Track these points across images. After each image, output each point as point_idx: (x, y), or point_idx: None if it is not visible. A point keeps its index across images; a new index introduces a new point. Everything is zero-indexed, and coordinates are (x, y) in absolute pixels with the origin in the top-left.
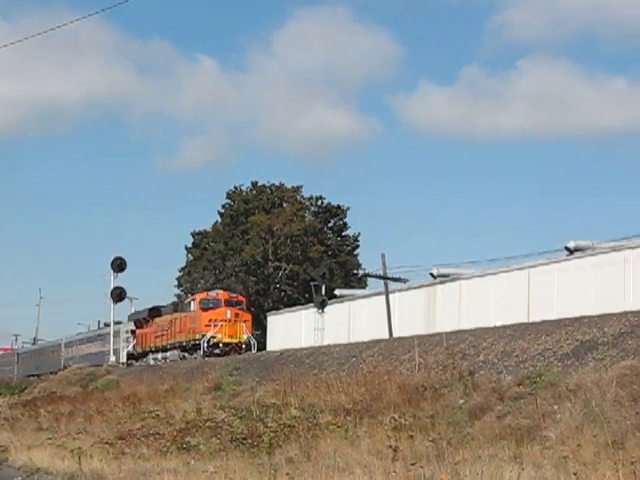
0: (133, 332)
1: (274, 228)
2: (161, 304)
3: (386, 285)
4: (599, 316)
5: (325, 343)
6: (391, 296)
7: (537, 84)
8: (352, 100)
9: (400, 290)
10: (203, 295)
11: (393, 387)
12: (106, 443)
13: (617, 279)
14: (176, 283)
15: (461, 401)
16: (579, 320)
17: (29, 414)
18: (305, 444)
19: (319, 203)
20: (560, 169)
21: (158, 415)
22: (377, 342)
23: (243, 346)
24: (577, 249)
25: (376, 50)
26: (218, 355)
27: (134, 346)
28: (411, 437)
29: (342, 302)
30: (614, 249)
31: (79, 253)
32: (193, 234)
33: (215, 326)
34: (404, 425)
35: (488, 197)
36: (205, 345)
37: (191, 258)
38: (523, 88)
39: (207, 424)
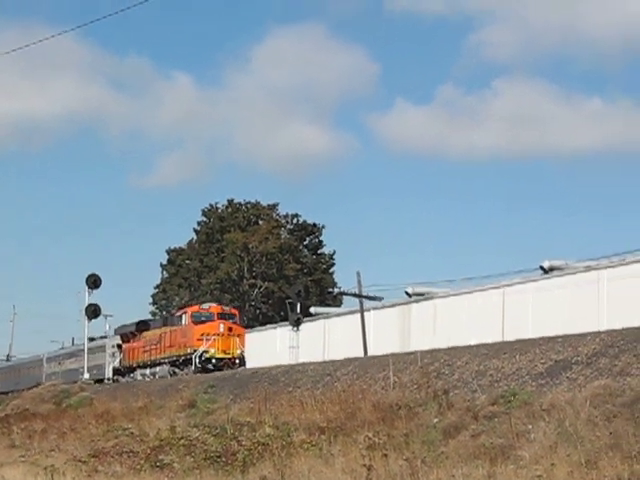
0: (119, 347)
1: (250, 246)
2: (141, 319)
3: (361, 303)
4: (573, 335)
5: (300, 361)
6: (366, 314)
7: (512, 104)
8: (329, 117)
9: (375, 308)
10: (195, 308)
11: (367, 406)
12: (79, 461)
13: (591, 298)
14: (151, 300)
15: (435, 420)
16: (553, 339)
17: (1, 431)
18: (279, 462)
19: (295, 221)
20: (535, 188)
21: (132, 433)
22: (352, 360)
23: (237, 361)
24: (552, 269)
25: (353, 68)
26: (211, 370)
27: (120, 361)
28: (385, 456)
29: (317, 320)
30: (588, 269)
31: (53, 270)
32: (168, 251)
33: (208, 340)
34: (378, 444)
35: (463, 216)
36: (197, 360)
37: (166, 275)
38: (498, 108)
39: (181, 442)
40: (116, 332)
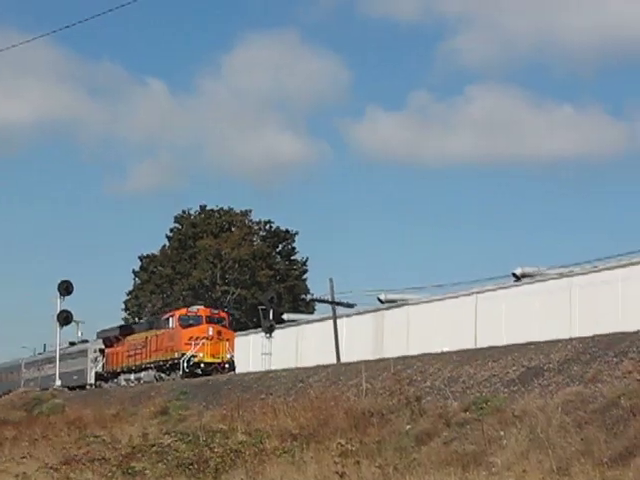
0: (102, 351)
1: (222, 252)
2: (124, 323)
3: (334, 310)
4: (545, 342)
5: (273, 368)
6: (339, 321)
7: (485, 110)
8: (302, 124)
9: (348, 315)
10: (183, 311)
11: (340, 412)
12: (51, 468)
13: (563, 305)
14: (123, 306)
15: (408, 427)
16: (525, 346)
17: None
18: (251, 469)
19: (268, 227)
20: (507, 195)
21: (104, 440)
22: (324, 367)
23: (226, 366)
24: (524, 275)
25: (325, 74)
26: (199, 375)
27: (103, 366)
28: (358, 463)
29: (290, 327)
30: (560, 276)
31: (25, 275)
32: (141, 258)
33: (196, 344)
34: (351, 451)
35: (436, 222)
36: (185, 365)
37: (139, 282)
38: (471, 114)
39: (153, 449)
40: (98, 336)
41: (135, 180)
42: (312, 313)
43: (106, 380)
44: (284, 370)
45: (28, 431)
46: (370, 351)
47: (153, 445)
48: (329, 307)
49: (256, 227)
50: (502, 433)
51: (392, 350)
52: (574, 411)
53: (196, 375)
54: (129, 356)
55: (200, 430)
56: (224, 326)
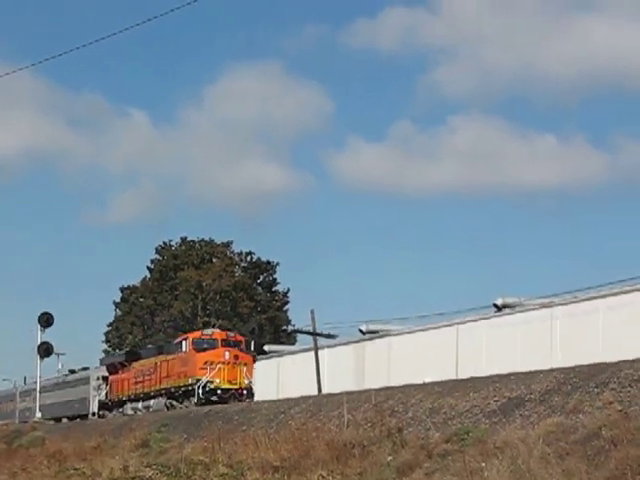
0: (105, 379)
1: (203, 283)
2: (131, 348)
3: (315, 341)
4: (526, 373)
5: (254, 399)
6: (320, 352)
7: (468, 141)
8: (284, 154)
9: (329, 346)
10: (197, 334)
11: (321, 444)
12: None
13: (544, 336)
14: (104, 338)
15: (389, 458)
16: (506, 377)
17: None
18: None
19: (249, 258)
20: (489, 225)
21: (84, 472)
22: (306, 399)
23: (244, 392)
24: (505, 306)
25: (308, 105)
26: (216, 403)
27: (107, 394)
28: None
29: (271, 358)
30: (541, 306)
31: (4, 307)
32: (122, 289)
33: (212, 369)
34: None
35: (417, 253)
36: (200, 391)
37: (119, 313)
38: (454, 144)
39: None
40: (102, 363)
41: (116, 211)
42: (293, 344)
43: (110, 409)
44: (265, 402)
45: (8, 464)
46: (351, 382)
47: (134, 478)
48: (310, 338)
49: (237, 258)
50: (484, 464)
51: (373, 381)
52: (555, 442)
53: (212, 402)
54: (136, 383)
55: (181, 462)
56: (241, 350)
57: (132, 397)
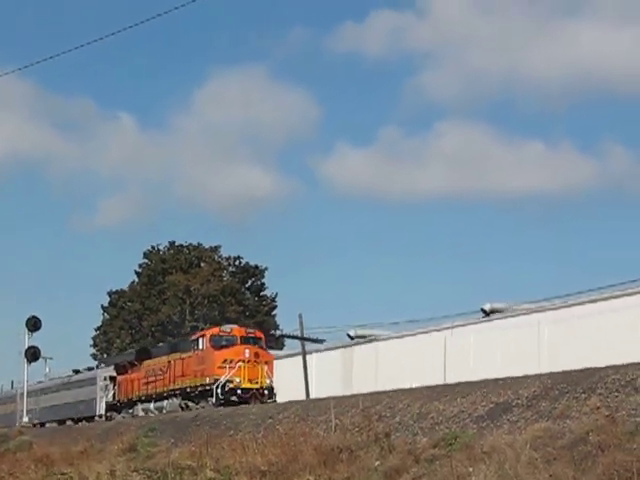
0: (113, 379)
1: (191, 288)
2: (141, 346)
3: (303, 346)
4: (514, 378)
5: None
6: (308, 357)
7: (454, 146)
8: (272, 159)
9: (317, 351)
10: (215, 330)
11: (309, 449)
12: None
13: (532, 341)
14: (92, 342)
15: (377, 463)
16: (494, 382)
17: None
18: None
19: (237, 263)
20: (477, 231)
21: (71, 477)
22: (294, 403)
23: (265, 392)
24: (493, 311)
25: (295, 109)
26: (235, 403)
27: (114, 395)
28: None
29: None
30: (529, 311)
31: None
32: (110, 293)
33: (231, 368)
34: None
35: (405, 258)
36: (219, 391)
37: (107, 317)
38: (440, 149)
39: None
40: (109, 362)
41: (105, 215)
42: (281, 349)
43: (119, 410)
44: (253, 406)
45: None
46: (340, 387)
47: None
48: (298, 343)
49: (225, 263)
50: (471, 469)
51: (361, 386)
52: (543, 447)
53: (232, 403)
54: (147, 383)
55: (168, 467)
56: (261, 347)
57: (143, 398)
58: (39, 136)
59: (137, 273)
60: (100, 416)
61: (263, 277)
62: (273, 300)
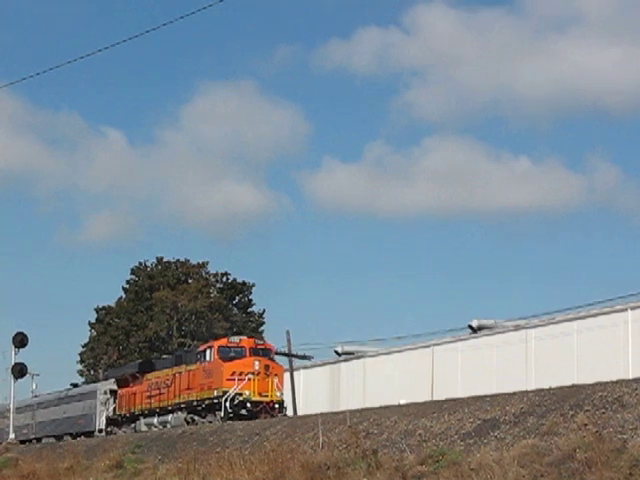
0: (114, 392)
1: (179, 304)
2: (145, 359)
3: (291, 362)
4: (501, 394)
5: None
6: (296, 373)
7: (442, 162)
8: (261, 175)
9: (305, 367)
10: (223, 341)
11: (296, 466)
12: None
13: (519, 357)
14: (79, 359)
15: (364, 479)
16: (482, 398)
17: None
18: None
19: (224, 279)
20: (464, 247)
21: None
22: (281, 420)
23: (276, 406)
24: (480, 327)
25: (283, 125)
26: (245, 417)
27: (115, 409)
28: None
29: None
30: (517, 328)
31: None
32: (97, 309)
33: (241, 380)
34: None
35: (393, 274)
36: (228, 404)
37: (94, 334)
38: (428, 166)
39: None
40: (109, 375)
41: (92, 231)
42: None
43: (120, 425)
44: (240, 423)
45: None
46: (327, 403)
47: None
48: (286, 359)
49: (213, 279)
50: None
51: (349, 402)
52: (530, 464)
53: (241, 417)
54: (150, 397)
55: None
56: (271, 359)
57: (146, 412)
58: (27, 151)
59: (124, 289)
60: (100, 431)
61: (250, 293)
62: (260, 316)
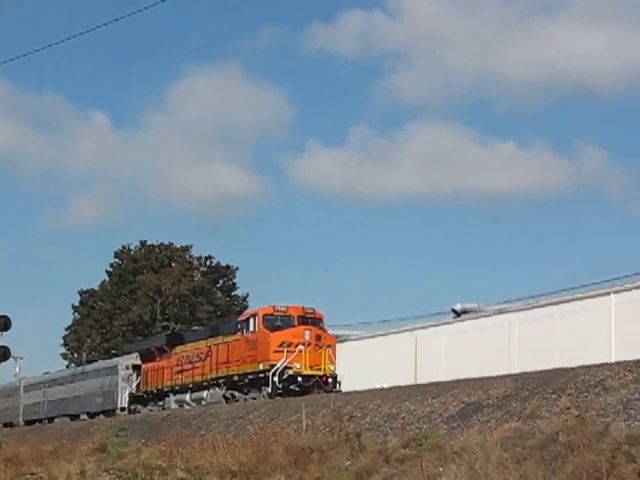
0: (137, 368)
1: (162, 288)
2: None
3: None
4: (484, 378)
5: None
6: None
7: (426, 146)
8: (245, 158)
9: None
10: (268, 309)
11: (280, 449)
12: None
13: (502, 341)
14: (62, 342)
15: (347, 463)
16: (465, 382)
17: None
18: None
19: (208, 263)
20: (448, 231)
21: (41, 477)
22: (264, 403)
23: (329, 380)
24: (464, 311)
25: (267, 108)
26: (296, 393)
27: (139, 386)
28: None
29: None
30: (500, 312)
31: None
32: (80, 292)
33: (290, 352)
34: None
35: (376, 258)
36: (276, 379)
37: (78, 317)
38: (412, 150)
39: None
40: (131, 350)
41: (76, 214)
42: None
43: (145, 403)
44: (224, 406)
45: None
46: None
47: None
48: None
49: (196, 262)
50: (441, 469)
51: None
52: (513, 447)
53: (291, 393)
54: (181, 371)
55: (139, 467)
56: (322, 329)
57: (176, 388)
58: (11, 133)
59: (108, 272)
60: (122, 409)
61: (234, 277)
62: (244, 300)
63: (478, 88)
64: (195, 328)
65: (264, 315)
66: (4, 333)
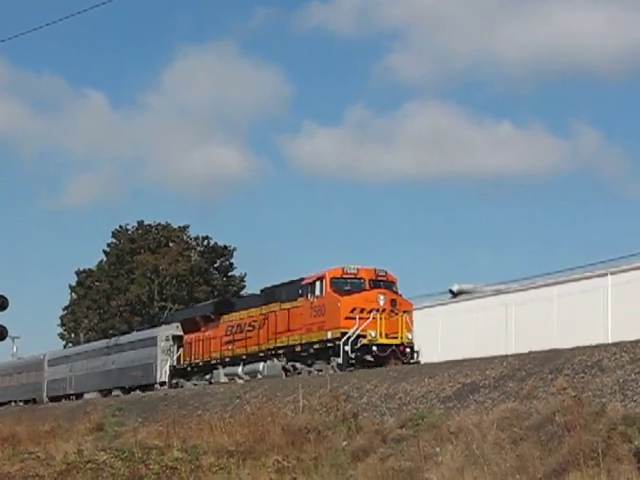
0: (178, 339)
1: (160, 268)
2: (221, 298)
3: None
4: (481, 359)
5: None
6: None
7: (423, 126)
8: (242, 138)
9: None
10: (337, 271)
11: (277, 429)
12: None
13: (499, 322)
14: (59, 322)
15: (344, 443)
16: (461, 363)
17: None
18: None
19: (205, 243)
20: (444, 211)
21: (38, 456)
22: (261, 384)
23: (407, 350)
24: (460, 292)
25: (264, 88)
26: (370, 365)
27: (181, 358)
28: (294, 479)
29: None
30: (496, 292)
31: None
32: (78, 272)
33: (363, 319)
34: (287, 467)
35: (373, 238)
36: (348, 348)
37: (75, 297)
38: (409, 130)
39: (88, 465)
40: (173, 319)
41: (73, 194)
42: None
43: (188, 377)
44: (221, 386)
45: None
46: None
47: (88, 462)
48: None
49: (194, 243)
50: (438, 449)
51: None
52: (509, 427)
53: (365, 363)
54: (231, 342)
55: (136, 446)
56: (396, 293)
57: (226, 360)
58: (9, 113)
59: (105, 252)
60: (162, 384)
61: (231, 257)
62: (242, 280)
63: (474, 68)
64: (247, 294)
65: (332, 278)
66: (1, 313)
